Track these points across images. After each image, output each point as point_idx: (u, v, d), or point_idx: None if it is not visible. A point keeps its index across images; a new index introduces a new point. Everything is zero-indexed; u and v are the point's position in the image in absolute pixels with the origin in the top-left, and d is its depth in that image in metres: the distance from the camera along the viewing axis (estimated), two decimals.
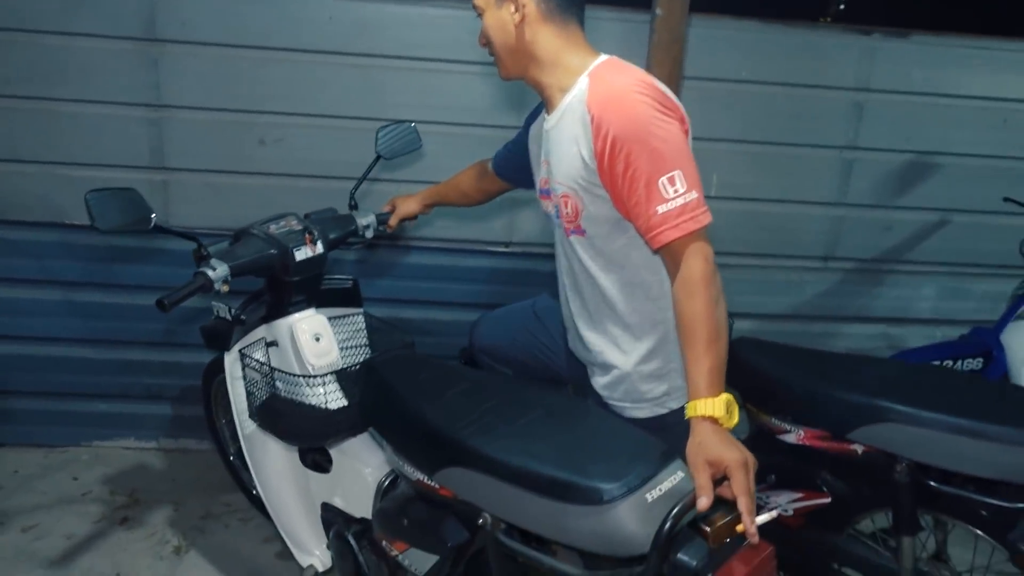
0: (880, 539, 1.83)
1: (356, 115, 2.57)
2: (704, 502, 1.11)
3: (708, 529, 1.17)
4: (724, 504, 1.18)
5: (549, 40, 1.48)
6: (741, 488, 1.12)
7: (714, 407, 1.21)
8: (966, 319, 2.98)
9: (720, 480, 1.16)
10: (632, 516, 1.11)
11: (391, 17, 2.53)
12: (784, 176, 2.82)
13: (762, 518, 1.16)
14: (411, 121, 2.09)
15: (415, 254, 2.77)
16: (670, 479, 1.17)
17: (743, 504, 1.12)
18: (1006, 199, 2.72)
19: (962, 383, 1.68)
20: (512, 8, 1.46)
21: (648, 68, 2.35)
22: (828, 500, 1.79)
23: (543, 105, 1.63)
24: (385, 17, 2.53)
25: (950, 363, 2.62)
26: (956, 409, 1.49)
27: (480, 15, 1.54)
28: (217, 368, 2.24)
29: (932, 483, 1.58)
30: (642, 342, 1.58)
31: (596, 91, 1.40)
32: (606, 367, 1.63)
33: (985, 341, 2.63)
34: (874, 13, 2.94)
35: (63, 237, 2.63)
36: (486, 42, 1.56)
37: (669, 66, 2.51)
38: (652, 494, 1.13)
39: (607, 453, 1.23)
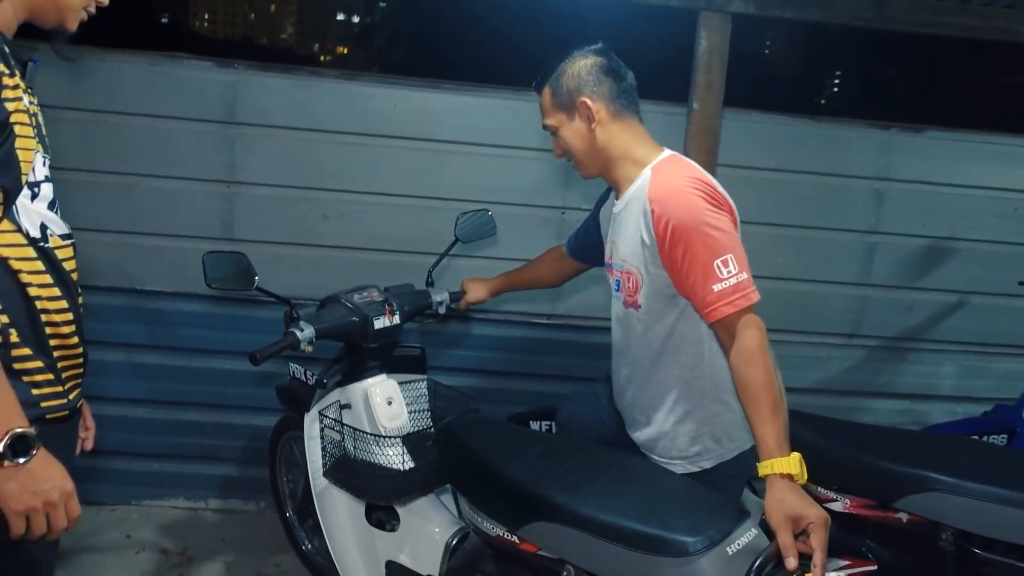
0: None
1: (415, 194, 2.78)
2: (793, 562, 1.21)
3: None
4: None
5: (619, 137, 1.67)
6: (821, 544, 1.23)
7: (789, 464, 1.33)
8: (986, 396, 3.10)
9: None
10: (715, 569, 1.22)
11: (451, 105, 2.78)
12: (811, 257, 3.00)
13: (832, 575, 1.26)
14: (488, 209, 2.25)
15: (462, 324, 2.92)
16: (746, 535, 1.28)
17: (819, 559, 1.22)
18: (1021, 283, 2.87)
19: (1000, 455, 1.80)
20: (587, 117, 1.66)
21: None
22: (874, 567, 1.87)
23: (611, 190, 1.82)
24: (445, 105, 2.77)
25: (975, 439, 2.73)
26: (998, 480, 1.60)
27: (554, 133, 1.73)
28: (286, 426, 2.36)
29: (977, 551, 1.68)
30: (680, 405, 1.71)
31: (656, 185, 1.58)
32: (648, 424, 1.76)
33: (1008, 418, 2.73)
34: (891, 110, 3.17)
35: (130, 301, 2.78)
36: (563, 153, 1.75)
37: (704, 155, 2.73)
38: (732, 548, 1.25)
39: (685, 509, 1.35)
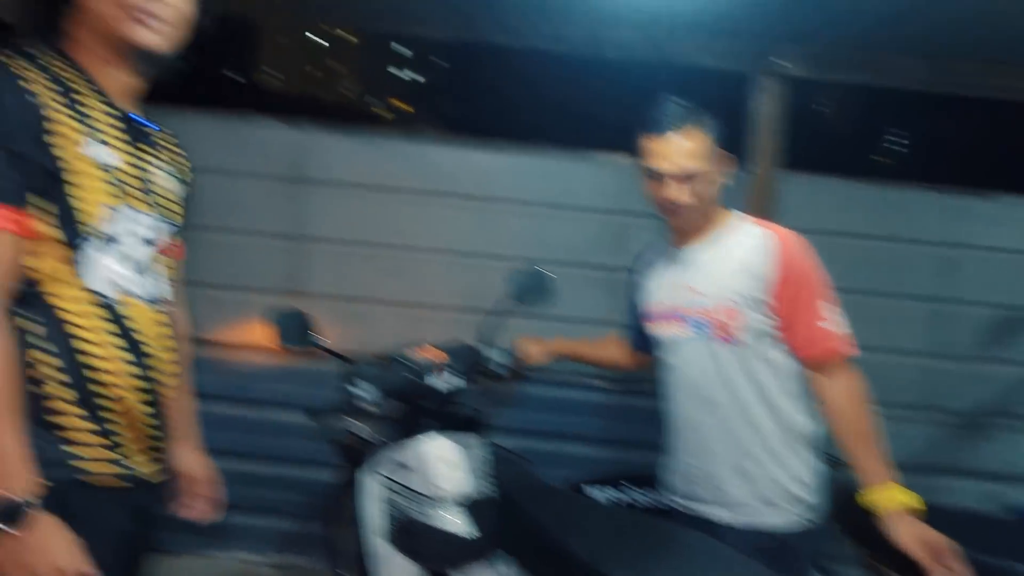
0: None
1: (475, 252, 2.85)
2: None
3: None
4: None
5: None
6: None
7: (911, 496, 1.46)
8: None
9: None
10: None
11: (509, 165, 2.87)
12: (876, 325, 2.90)
13: None
14: (545, 270, 2.14)
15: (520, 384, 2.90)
16: None
17: None
18: None
19: None
20: (723, 170, 1.73)
21: None
22: None
23: (651, 248, 1.90)
24: (504, 165, 2.87)
25: None
26: None
27: (690, 177, 1.65)
28: (342, 482, 2.36)
29: None
30: (778, 447, 1.69)
31: (777, 228, 1.72)
32: (741, 471, 1.70)
33: None
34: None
35: (197, 351, 2.85)
36: (690, 199, 1.66)
37: (762, 217, 2.70)
38: None
39: None
